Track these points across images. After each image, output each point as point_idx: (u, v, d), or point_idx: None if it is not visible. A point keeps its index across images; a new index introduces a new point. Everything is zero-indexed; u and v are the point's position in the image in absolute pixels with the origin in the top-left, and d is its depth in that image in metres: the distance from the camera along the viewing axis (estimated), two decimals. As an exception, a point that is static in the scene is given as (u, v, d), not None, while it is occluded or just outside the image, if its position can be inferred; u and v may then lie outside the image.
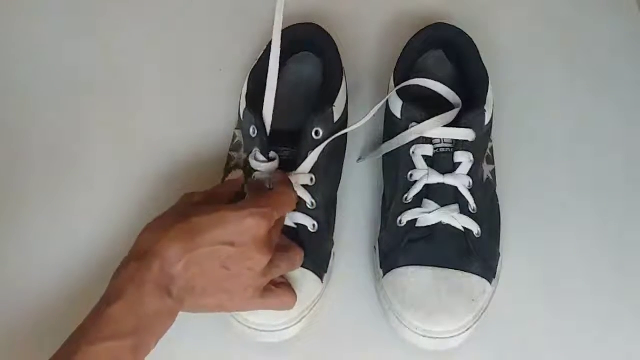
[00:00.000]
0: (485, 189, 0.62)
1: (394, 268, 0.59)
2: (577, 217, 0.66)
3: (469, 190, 0.59)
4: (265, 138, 0.59)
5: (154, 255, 0.49)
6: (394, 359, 0.60)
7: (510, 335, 0.60)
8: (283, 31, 0.58)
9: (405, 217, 0.59)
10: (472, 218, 0.59)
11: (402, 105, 0.60)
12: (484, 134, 0.62)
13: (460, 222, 0.58)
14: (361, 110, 0.64)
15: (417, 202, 0.59)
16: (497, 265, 0.60)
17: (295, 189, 0.57)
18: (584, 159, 0.69)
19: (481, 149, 0.62)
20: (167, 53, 0.74)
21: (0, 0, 0.76)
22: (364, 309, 0.61)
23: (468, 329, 0.57)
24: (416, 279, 0.57)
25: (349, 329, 0.61)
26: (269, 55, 0.58)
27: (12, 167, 0.67)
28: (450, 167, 0.60)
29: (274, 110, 0.59)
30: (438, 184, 0.59)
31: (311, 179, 0.59)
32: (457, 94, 0.63)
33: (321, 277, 0.59)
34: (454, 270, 0.58)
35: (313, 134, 0.59)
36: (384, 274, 0.59)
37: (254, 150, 0.59)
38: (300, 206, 0.59)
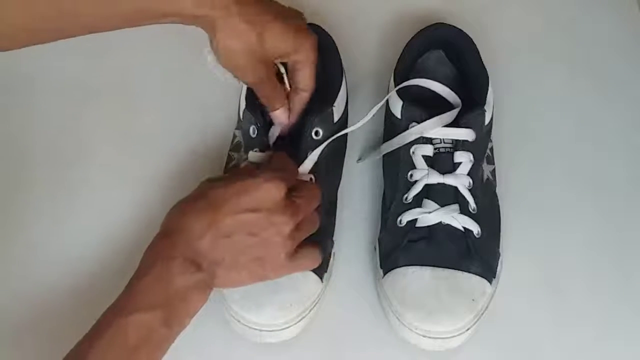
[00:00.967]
0: (485, 189, 0.62)
1: (394, 268, 0.59)
2: (577, 217, 0.66)
3: (469, 190, 0.59)
4: (266, 138, 0.59)
5: (180, 231, 0.50)
6: (394, 359, 0.59)
7: (510, 335, 0.60)
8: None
9: (405, 217, 0.59)
10: (472, 218, 0.59)
11: (402, 105, 0.60)
12: (484, 134, 0.62)
13: (460, 222, 0.58)
14: (361, 110, 0.64)
15: (417, 202, 0.59)
16: (497, 265, 0.60)
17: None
18: (584, 159, 0.69)
19: (481, 149, 0.62)
20: (167, 53, 0.74)
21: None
22: (364, 309, 0.61)
23: (468, 329, 0.57)
24: (416, 279, 0.58)
25: (349, 329, 0.61)
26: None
27: (15, 167, 0.67)
28: (450, 167, 0.60)
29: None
30: (438, 184, 0.59)
31: (311, 179, 0.59)
32: (457, 94, 0.63)
33: (321, 277, 0.59)
34: (454, 270, 0.58)
35: (313, 134, 0.59)
36: (384, 274, 0.59)
37: (254, 150, 0.59)
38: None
